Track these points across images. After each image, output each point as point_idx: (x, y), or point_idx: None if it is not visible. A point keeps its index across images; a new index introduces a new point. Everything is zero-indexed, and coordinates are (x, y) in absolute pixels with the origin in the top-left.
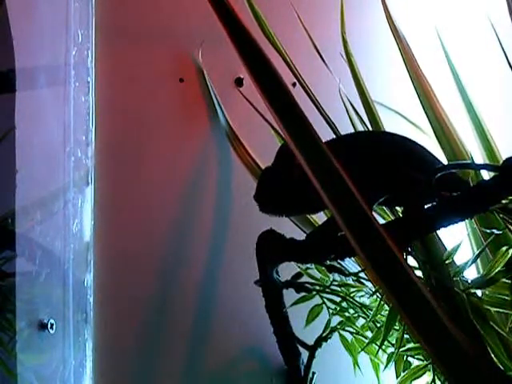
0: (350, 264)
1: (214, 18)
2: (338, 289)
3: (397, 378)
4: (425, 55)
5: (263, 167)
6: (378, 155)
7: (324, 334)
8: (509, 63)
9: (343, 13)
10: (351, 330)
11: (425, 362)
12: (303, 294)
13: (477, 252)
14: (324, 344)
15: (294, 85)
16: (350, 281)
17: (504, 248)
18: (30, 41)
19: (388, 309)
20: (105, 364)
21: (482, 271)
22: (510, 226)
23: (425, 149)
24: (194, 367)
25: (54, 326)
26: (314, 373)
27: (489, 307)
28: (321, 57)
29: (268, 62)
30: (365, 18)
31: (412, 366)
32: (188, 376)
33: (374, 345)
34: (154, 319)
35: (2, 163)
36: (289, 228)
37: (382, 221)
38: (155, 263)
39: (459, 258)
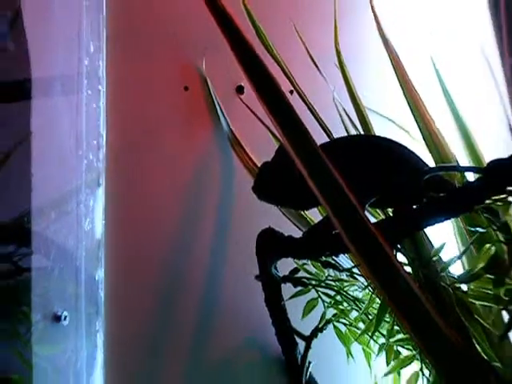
0: (344, 260)
1: (217, 31)
2: (333, 283)
3: (387, 366)
4: (414, 65)
5: None
6: (370, 158)
7: (319, 326)
8: (492, 76)
9: (337, 26)
10: (345, 321)
11: (413, 352)
12: (300, 288)
13: (462, 249)
14: (319, 335)
15: (291, 92)
16: (343, 276)
17: (487, 245)
18: (45, 52)
19: (379, 302)
20: (115, 354)
21: (466, 267)
22: (493, 225)
23: (413, 152)
24: (199, 356)
25: (68, 318)
26: (309, 362)
27: (473, 301)
28: (316, 66)
29: (267, 71)
30: (357, 30)
31: (401, 356)
32: (194, 364)
33: (366, 335)
34: (162, 311)
35: (18, 167)
36: (287, 226)
37: (373, 220)
38: (162, 259)
39: (446, 255)
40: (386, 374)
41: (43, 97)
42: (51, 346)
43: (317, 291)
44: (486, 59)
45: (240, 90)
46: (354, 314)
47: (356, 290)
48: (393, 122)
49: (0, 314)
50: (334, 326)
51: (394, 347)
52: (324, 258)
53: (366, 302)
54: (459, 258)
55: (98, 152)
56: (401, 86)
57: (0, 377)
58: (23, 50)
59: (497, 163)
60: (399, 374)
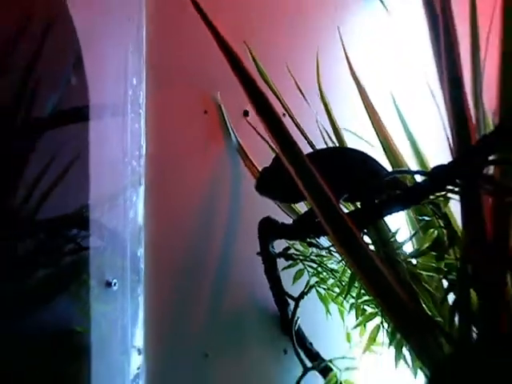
0: (324, 241)
1: (229, 69)
2: (315, 258)
3: (356, 320)
4: (376, 96)
5: None
6: (343, 164)
7: (305, 290)
8: (435, 100)
9: (318, 65)
10: (324, 287)
11: (376, 310)
12: (290, 261)
13: (412, 233)
14: (305, 297)
15: (283, 115)
16: (323, 252)
17: (431, 230)
18: (100, 84)
19: (350, 272)
20: (152, 311)
21: (416, 246)
22: (435, 215)
23: (376, 160)
24: (216, 311)
25: (116, 285)
26: (298, 317)
27: (421, 271)
28: (303, 95)
29: (266, 99)
30: (333, 69)
31: (366, 313)
32: (212, 317)
33: (340, 297)
34: (187, 279)
35: (79, 172)
36: (281, 216)
37: (346, 210)
38: (188, 240)
39: (400, 237)
40: (355, 327)
41: (98, 119)
42: (104, 306)
43: (303, 264)
44: (429, 86)
45: (246, 113)
46: (331, 281)
47: (332, 263)
48: (360, 138)
49: (67, 281)
50: (316, 291)
51: (361, 306)
52: (309, 239)
53: (340, 272)
54: (410, 239)
55: (139, 160)
56: (366, 109)
57: (67, 328)
58: (83, 83)
59: (438, 168)
60: (365, 326)
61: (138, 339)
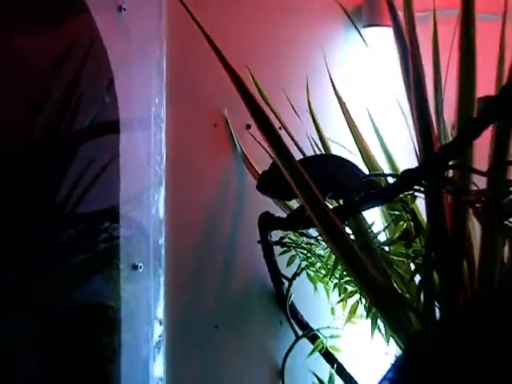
0: (312, 231)
1: (234, 90)
2: (305, 246)
3: (339, 297)
4: (356, 112)
5: None
6: (329, 168)
7: (297, 272)
8: (405, 117)
9: (308, 88)
10: (313, 269)
11: (355, 288)
12: (285, 248)
13: (385, 225)
14: (297, 277)
15: (280, 128)
16: (312, 241)
17: (401, 222)
18: (128, 102)
19: (334, 257)
20: (171, 290)
21: (388, 236)
22: (404, 210)
23: (356, 165)
24: (225, 288)
25: (142, 268)
26: (291, 294)
27: (392, 257)
28: (295, 112)
29: (265, 115)
30: (321, 89)
31: (348, 291)
32: (222, 292)
33: (326, 278)
34: (201, 262)
35: (112, 174)
36: (278, 211)
37: (331, 206)
38: (202, 231)
39: (375, 228)
40: (338, 302)
41: (127, 131)
42: (132, 285)
43: (295, 250)
44: (400, 105)
45: (248, 126)
46: (319, 264)
47: (320, 249)
48: (342, 146)
49: (101, 265)
50: (306, 272)
51: (343, 285)
52: (300, 230)
53: (326, 257)
54: (383, 230)
55: (161, 164)
56: (347, 123)
57: (102, 303)
58: (114, 101)
59: (407, 172)
60: (346, 301)
61: (160, 312)
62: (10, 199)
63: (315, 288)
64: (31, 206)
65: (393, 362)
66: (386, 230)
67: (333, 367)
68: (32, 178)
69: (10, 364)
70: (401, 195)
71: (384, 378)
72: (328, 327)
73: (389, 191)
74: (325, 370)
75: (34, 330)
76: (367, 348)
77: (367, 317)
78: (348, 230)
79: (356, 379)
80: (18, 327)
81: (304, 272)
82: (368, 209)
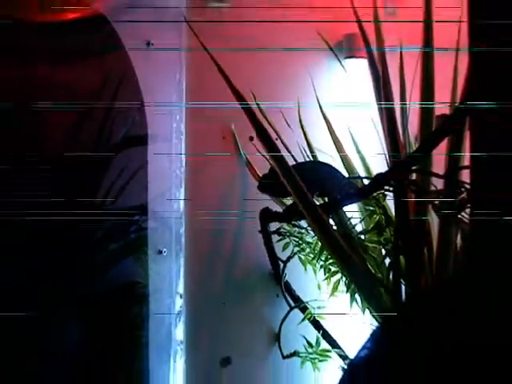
0: (303, 223)
1: (239, 108)
2: (297, 234)
3: (324, 275)
4: (338, 127)
5: None
6: (316, 172)
7: (290, 255)
8: (376, 130)
9: (299, 103)
10: (303, 253)
11: (337, 269)
12: (281, 237)
13: (361, 217)
14: (291, 260)
15: (276, 139)
16: (303, 231)
17: (374, 216)
18: (155, 121)
19: (320, 244)
20: (190, 270)
21: (364, 227)
22: (377, 206)
23: (338, 170)
24: (233, 267)
25: (165, 252)
26: (285, 273)
27: (367, 243)
28: (289, 126)
29: (264, 128)
30: (310, 109)
31: (331, 270)
32: (230, 271)
33: (314, 260)
34: (213, 248)
35: (141, 177)
36: (275, 207)
37: (317, 203)
38: (213, 223)
39: (354, 220)
40: (323, 280)
41: (154, 143)
42: (157, 266)
43: (289, 238)
44: (373, 120)
45: (251, 138)
46: (308, 250)
47: (309, 237)
48: (327, 154)
49: (133, 250)
50: (298, 256)
51: (328, 266)
52: (293, 222)
53: (314, 244)
54: (360, 222)
55: (181, 169)
56: (331, 135)
57: (133, 281)
58: (143, 119)
59: (379, 175)
60: (330, 279)
61: (180, 288)
62: (64, 195)
63: (305, 268)
64: (79, 201)
65: (370, 333)
66: (362, 222)
67: (319, 332)
68: (79, 178)
69: (62, 330)
70: (374, 194)
71: (363, 348)
72: (315, 300)
73: (364, 191)
74: (312, 334)
75: (82, 302)
76: (347, 317)
77: (347, 292)
78: (331, 221)
79: (337, 341)
80: (68, 300)
81: (296, 256)
82: (348, 205)
